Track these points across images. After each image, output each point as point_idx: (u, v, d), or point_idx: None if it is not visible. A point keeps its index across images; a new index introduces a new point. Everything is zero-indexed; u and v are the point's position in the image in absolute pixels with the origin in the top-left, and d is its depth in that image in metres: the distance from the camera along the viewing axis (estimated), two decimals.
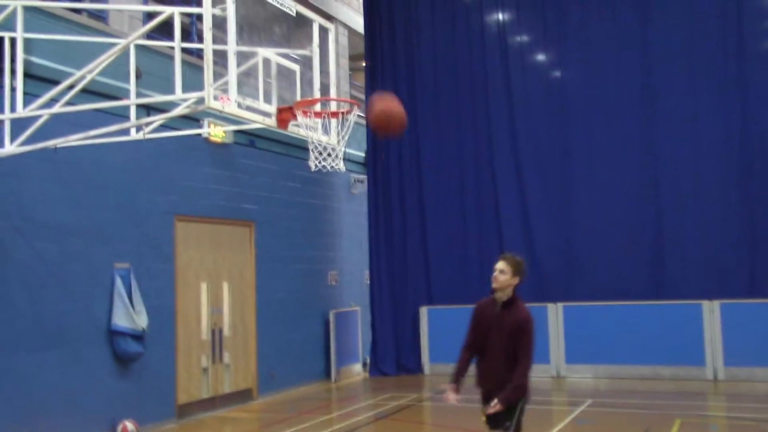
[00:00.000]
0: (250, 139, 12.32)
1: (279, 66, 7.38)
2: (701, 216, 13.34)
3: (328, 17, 14.56)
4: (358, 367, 15.12)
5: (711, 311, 12.93)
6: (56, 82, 7.76)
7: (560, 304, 13.96)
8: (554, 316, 13.94)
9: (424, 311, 14.91)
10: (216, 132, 11.10)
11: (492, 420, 5.32)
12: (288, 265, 13.18)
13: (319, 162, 8.51)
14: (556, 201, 14.42)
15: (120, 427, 9.11)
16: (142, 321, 9.45)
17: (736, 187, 13.21)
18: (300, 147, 13.09)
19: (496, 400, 5.25)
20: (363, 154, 15.94)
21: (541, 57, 14.98)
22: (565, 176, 14.35)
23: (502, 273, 5.31)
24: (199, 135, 10.97)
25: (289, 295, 13.08)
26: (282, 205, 13.11)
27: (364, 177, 15.76)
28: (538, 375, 13.80)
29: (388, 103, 6.48)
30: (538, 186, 14.57)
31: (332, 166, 7.59)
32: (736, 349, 12.71)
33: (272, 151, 12.90)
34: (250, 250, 12.27)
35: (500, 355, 5.28)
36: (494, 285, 5.33)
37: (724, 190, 13.26)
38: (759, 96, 13.08)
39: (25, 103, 7.46)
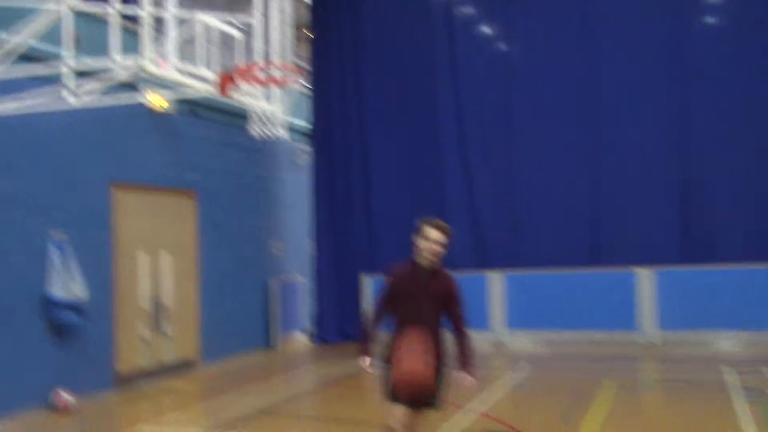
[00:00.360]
0: (191, 107, 12.13)
1: (222, 34, 7.28)
2: (638, 185, 13.69)
3: None
4: (301, 336, 15.19)
5: (646, 277, 13.34)
6: None
7: (502, 272, 14.22)
8: (496, 284, 14.20)
9: (366, 279, 15.01)
10: (156, 99, 10.89)
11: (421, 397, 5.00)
12: (231, 234, 13.09)
13: (262, 130, 8.48)
14: (498, 169, 14.59)
15: (56, 397, 8.99)
16: (79, 291, 9.30)
17: (671, 156, 13.58)
18: (243, 116, 12.90)
19: (472, 380, 5.26)
20: (307, 124, 15.85)
21: (486, 28, 15.03)
22: (508, 145, 14.51)
23: (442, 246, 5.17)
24: (140, 103, 10.75)
25: (232, 265, 13.02)
26: (225, 174, 12.98)
27: (308, 147, 15.70)
28: (479, 340, 14.10)
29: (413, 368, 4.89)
30: (481, 155, 14.72)
31: (274, 135, 7.55)
32: (669, 314, 13.17)
33: (215, 120, 12.74)
34: (191, 220, 12.14)
35: (431, 324, 5.13)
36: (433, 258, 5.15)
37: (659, 159, 13.62)
38: (695, 68, 13.43)
39: None
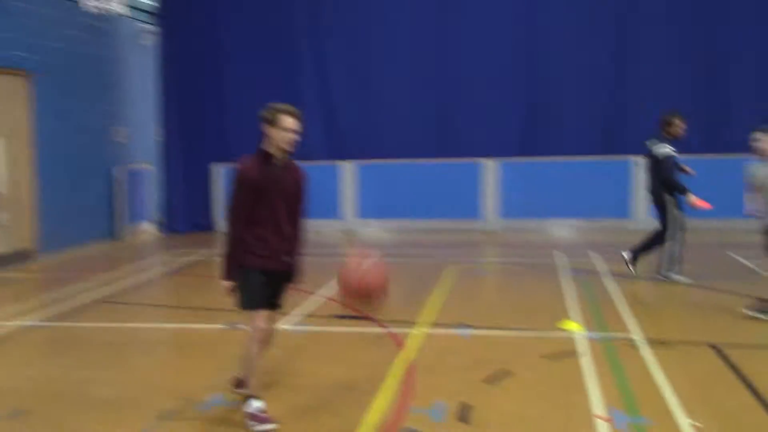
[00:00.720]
0: None
1: None
2: (483, 82, 14.08)
3: None
4: (149, 226, 14.79)
5: (490, 168, 13.89)
6: None
7: (354, 162, 14.34)
8: (348, 173, 14.33)
9: (217, 168, 14.71)
10: None
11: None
12: (71, 120, 12.31)
13: (96, 5, 7.85)
14: (352, 61, 14.50)
15: None
16: None
17: (517, 54, 13.99)
18: None
19: (299, 278, 5.16)
20: (152, 2, 14.90)
21: None
22: (363, 38, 14.43)
23: (298, 134, 4.81)
24: None
25: (72, 152, 12.32)
26: (62, 54, 12.06)
27: (154, 27, 14.82)
28: (331, 229, 14.31)
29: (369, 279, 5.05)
30: (336, 45, 14.53)
31: (110, 10, 7.00)
32: (508, 202, 13.86)
33: None
34: (25, 103, 11.28)
35: (288, 219, 4.83)
36: (289, 148, 4.74)
37: (506, 56, 14.00)
38: None
39: None
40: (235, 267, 4.75)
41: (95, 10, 7.13)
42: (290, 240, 4.91)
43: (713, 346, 6.13)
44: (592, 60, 13.79)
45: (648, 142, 8.86)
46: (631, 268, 9.02)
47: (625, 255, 9.11)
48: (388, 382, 5.41)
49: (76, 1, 11.83)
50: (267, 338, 4.90)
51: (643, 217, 13.42)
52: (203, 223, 14.75)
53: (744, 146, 7.86)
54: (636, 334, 6.53)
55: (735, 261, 10.22)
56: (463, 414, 4.79)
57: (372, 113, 14.55)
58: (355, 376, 5.61)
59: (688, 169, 8.90)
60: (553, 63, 13.92)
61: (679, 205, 8.68)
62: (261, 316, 4.77)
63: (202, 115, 14.77)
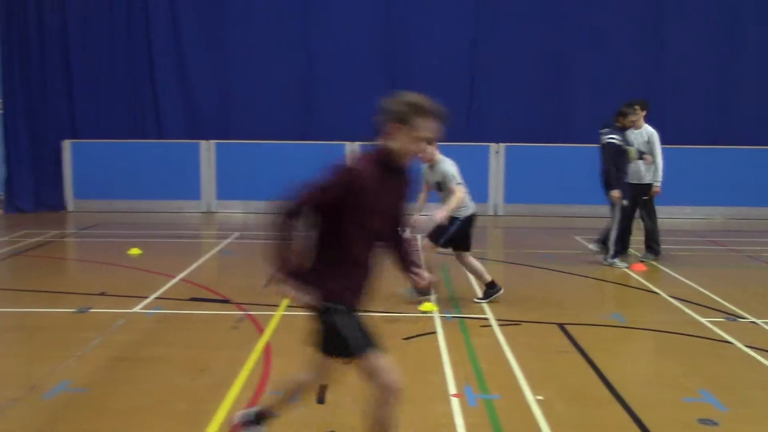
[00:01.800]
0: None
1: None
2: (348, 66, 14.15)
3: None
4: None
5: (351, 151, 13.96)
6: None
7: (213, 141, 14.01)
8: (206, 153, 13.99)
9: (67, 145, 13.94)
10: None
11: None
12: None
13: None
14: (211, 40, 14.15)
15: None
16: None
17: (378, 37, 14.14)
18: None
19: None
20: None
21: None
22: (221, 18, 14.14)
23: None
24: None
25: None
26: None
27: None
28: (189, 210, 13.94)
29: None
30: (192, 17, 14.12)
31: None
32: None
33: None
34: None
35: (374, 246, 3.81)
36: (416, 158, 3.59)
37: (367, 39, 14.13)
38: None
39: None
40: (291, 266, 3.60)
41: None
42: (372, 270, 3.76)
43: (558, 325, 6.47)
44: (446, 48, 14.15)
45: (600, 131, 9.03)
46: (603, 258, 9.22)
47: (592, 247, 9.49)
48: (245, 365, 5.34)
49: None
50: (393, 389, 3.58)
51: (501, 203, 13.97)
52: (51, 202, 13.96)
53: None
54: (489, 315, 6.79)
55: (581, 246, 10.82)
56: (320, 395, 4.81)
57: (232, 93, 14.27)
58: (212, 360, 5.51)
59: (646, 157, 9.10)
60: (413, 45, 14.16)
61: (629, 194, 8.98)
62: (380, 358, 3.63)
63: (49, 87, 13.94)
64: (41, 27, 13.79)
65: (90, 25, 13.99)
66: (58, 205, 13.99)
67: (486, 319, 6.68)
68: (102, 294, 7.45)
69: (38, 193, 13.94)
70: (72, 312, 6.77)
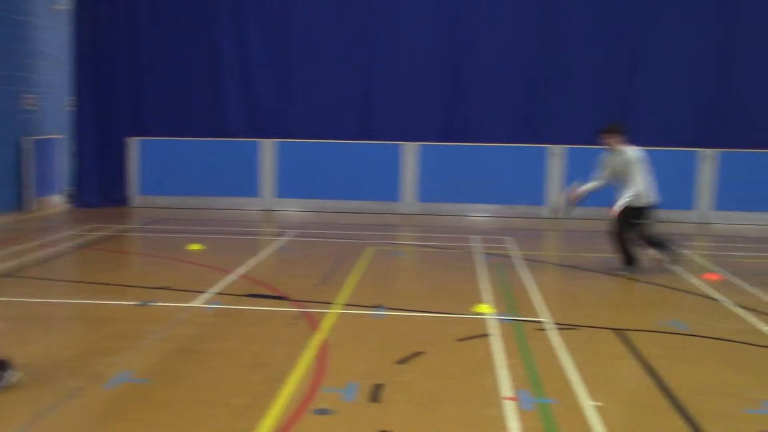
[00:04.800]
0: None
1: None
2: (407, 65, 14.16)
3: None
4: (59, 199, 14.28)
5: (410, 152, 13.98)
6: None
7: (274, 140, 14.19)
8: (268, 152, 14.18)
9: (133, 142, 14.32)
10: None
11: None
12: None
13: None
14: (275, 37, 14.33)
15: None
16: None
17: (440, 43, 14.11)
18: None
19: None
20: None
21: None
22: (285, 19, 14.28)
23: None
24: None
25: None
26: None
27: None
28: (249, 208, 14.16)
29: None
30: (258, 18, 14.32)
31: None
32: (428, 186, 14.01)
33: None
34: None
35: None
36: None
37: (428, 45, 14.12)
38: None
39: None
40: None
41: None
42: None
43: (616, 330, 6.37)
44: (515, 47, 14.02)
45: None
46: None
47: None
48: (301, 361, 5.41)
49: None
50: None
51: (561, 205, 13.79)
52: (116, 198, 14.34)
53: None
54: (545, 318, 6.73)
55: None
56: (375, 394, 4.85)
57: (293, 91, 14.42)
58: (269, 355, 5.59)
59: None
60: (476, 49, 14.08)
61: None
62: None
63: (117, 86, 14.32)
64: (111, 26, 14.16)
65: (157, 24, 14.31)
66: (124, 200, 14.36)
67: (541, 322, 6.61)
68: (164, 288, 7.63)
69: (105, 189, 14.33)
70: (135, 305, 6.95)
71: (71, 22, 14.10)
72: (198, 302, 7.08)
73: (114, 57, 14.26)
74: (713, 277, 8.67)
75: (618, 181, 8.76)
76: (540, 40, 14.00)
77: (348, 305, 7.09)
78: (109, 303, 7.05)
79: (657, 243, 9.05)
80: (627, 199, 8.54)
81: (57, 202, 14.16)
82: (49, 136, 13.87)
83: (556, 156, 13.73)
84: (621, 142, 8.78)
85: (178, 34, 14.33)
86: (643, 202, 8.68)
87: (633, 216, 8.68)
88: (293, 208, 14.24)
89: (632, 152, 8.66)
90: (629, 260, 8.89)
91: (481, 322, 6.56)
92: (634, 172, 8.57)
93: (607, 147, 8.86)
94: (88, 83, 14.11)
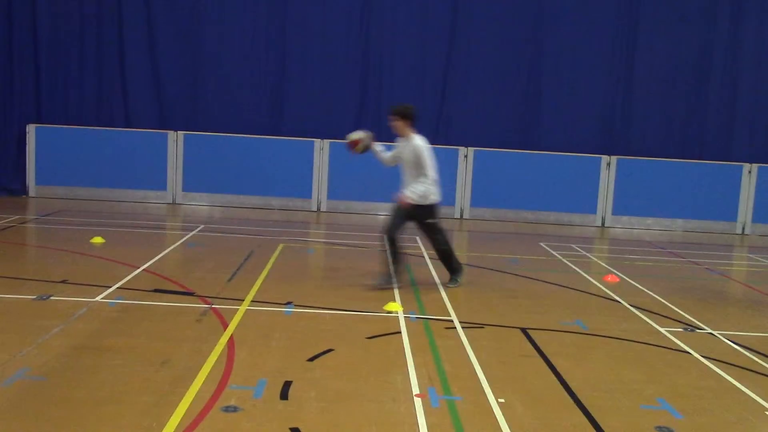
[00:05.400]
0: None
1: None
2: (320, 62, 14.13)
3: None
4: None
5: (321, 148, 13.94)
6: None
7: (181, 132, 13.88)
8: (173, 144, 13.85)
9: (31, 129, 13.71)
10: None
11: None
12: None
13: None
14: (184, 29, 14.04)
15: None
16: None
17: (354, 37, 14.13)
18: None
19: None
20: None
21: None
22: (195, 10, 14.02)
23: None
24: None
25: None
26: None
27: None
28: (155, 201, 13.79)
29: None
30: (167, 10, 13.99)
31: None
32: (338, 184, 14.01)
33: None
34: None
35: None
36: None
37: (340, 39, 14.14)
38: None
39: None
40: None
41: None
42: None
43: (521, 329, 6.54)
44: (425, 56, 14.22)
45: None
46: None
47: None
48: (209, 358, 5.31)
49: None
50: None
51: (468, 206, 14.06)
52: (15, 188, 13.71)
53: None
54: (453, 317, 6.84)
55: (546, 252, 10.93)
56: (284, 391, 4.81)
57: (203, 82, 14.16)
58: (175, 351, 5.46)
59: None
60: (389, 54, 14.20)
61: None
62: None
63: (14, 74, 13.71)
64: (9, 8, 13.53)
65: (59, 7, 13.77)
66: (21, 190, 13.74)
67: (450, 321, 6.72)
68: (63, 282, 7.35)
69: (1, 177, 13.68)
70: (32, 299, 6.66)
71: None
72: (100, 297, 6.85)
73: (12, 39, 13.63)
74: (612, 279, 9.02)
75: (406, 174, 7.75)
76: (449, 45, 14.25)
77: (257, 302, 7.01)
78: (4, 296, 6.73)
79: (446, 255, 8.04)
80: (417, 194, 7.58)
81: None
82: None
83: (466, 158, 13.98)
84: (409, 129, 7.75)
85: (81, 16, 13.83)
86: (432, 200, 7.72)
87: (414, 216, 7.73)
88: (201, 203, 13.96)
89: (421, 141, 7.64)
90: (393, 270, 7.74)
91: (392, 320, 6.61)
92: (424, 164, 7.55)
93: (396, 133, 7.87)
94: None
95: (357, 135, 8.02)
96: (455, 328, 6.50)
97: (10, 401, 4.44)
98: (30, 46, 13.73)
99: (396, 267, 7.79)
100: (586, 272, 9.38)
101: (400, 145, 7.85)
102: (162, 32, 13.98)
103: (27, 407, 4.37)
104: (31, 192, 13.81)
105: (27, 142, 13.70)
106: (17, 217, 11.52)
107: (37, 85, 13.83)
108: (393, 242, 7.74)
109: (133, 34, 13.93)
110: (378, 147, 8.03)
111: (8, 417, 4.23)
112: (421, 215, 7.76)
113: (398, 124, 7.77)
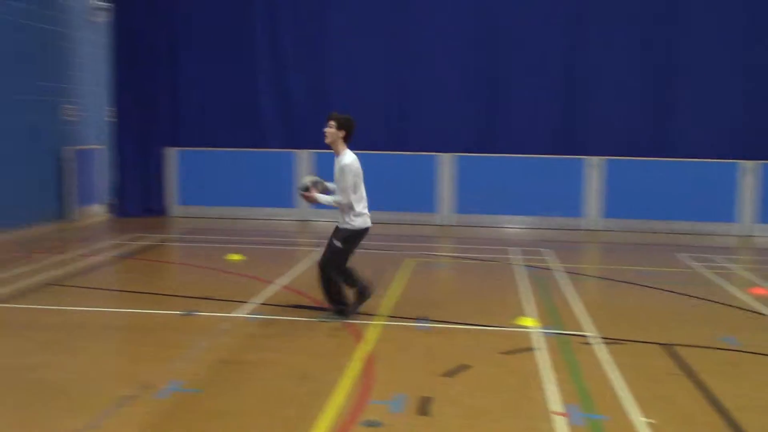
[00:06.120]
0: None
1: None
2: (443, 77, 14.13)
3: None
4: (100, 208, 14.46)
5: (445, 162, 13.94)
6: None
7: (308, 151, 14.23)
8: (302, 162, 14.22)
9: (170, 152, 14.46)
10: None
11: None
12: (15, 95, 11.92)
13: None
14: (311, 52, 14.40)
15: None
16: None
17: (473, 55, 14.07)
18: None
19: None
20: None
21: None
22: (322, 26, 14.35)
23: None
24: None
25: (16, 129, 11.92)
26: (7, 26, 11.66)
27: (106, 4, 14.47)
28: (285, 218, 14.20)
29: None
30: (293, 33, 14.42)
31: None
32: (464, 198, 13.95)
33: None
34: None
35: None
36: None
37: (462, 57, 14.08)
38: None
39: None
40: None
41: None
42: None
43: (665, 346, 6.26)
44: (547, 60, 13.95)
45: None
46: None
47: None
48: (346, 373, 5.39)
49: None
50: None
51: (594, 216, 13.66)
52: (155, 208, 14.48)
53: None
54: (590, 332, 6.64)
55: (684, 263, 10.45)
56: (423, 406, 4.81)
57: (329, 103, 14.45)
58: (313, 366, 5.58)
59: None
60: (510, 60, 14.02)
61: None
62: None
63: (155, 97, 14.48)
64: (149, 37, 14.34)
65: (194, 36, 14.46)
66: (163, 210, 14.49)
67: (587, 336, 6.53)
68: (206, 298, 7.67)
69: (145, 199, 14.48)
70: (179, 314, 6.99)
71: (109, 34, 14.31)
72: (241, 312, 7.11)
73: (152, 68, 14.42)
74: (760, 291, 8.50)
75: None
76: (576, 49, 13.91)
77: (391, 317, 7.07)
78: (153, 312, 7.10)
79: (349, 281, 7.05)
80: (353, 223, 6.93)
81: (98, 211, 14.33)
82: (89, 147, 14.07)
83: (594, 167, 13.60)
84: (343, 144, 6.99)
85: (214, 43, 14.45)
86: (360, 225, 6.99)
87: (350, 244, 6.99)
88: (328, 219, 14.23)
89: (350, 160, 6.90)
90: (343, 303, 6.97)
91: (526, 336, 6.50)
92: (344, 186, 6.84)
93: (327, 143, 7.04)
94: (127, 94, 14.29)
95: (309, 179, 7.21)
96: (593, 343, 6.31)
97: (165, 413, 4.66)
98: (169, 75, 14.49)
99: (355, 287, 7.03)
100: (730, 284, 8.89)
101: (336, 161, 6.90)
102: (290, 56, 14.39)
103: (181, 419, 4.58)
104: (172, 212, 14.54)
105: (166, 164, 14.45)
106: (160, 235, 12.15)
107: (177, 110, 14.56)
108: (349, 280, 7.02)
109: (262, 60, 14.42)
110: (323, 199, 7.09)
111: (164, 428, 4.44)
112: (336, 234, 6.99)
113: (333, 133, 6.92)
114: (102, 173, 14.53)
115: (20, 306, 7.32)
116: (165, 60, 14.46)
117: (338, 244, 6.94)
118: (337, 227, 7.07)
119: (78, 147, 13.52)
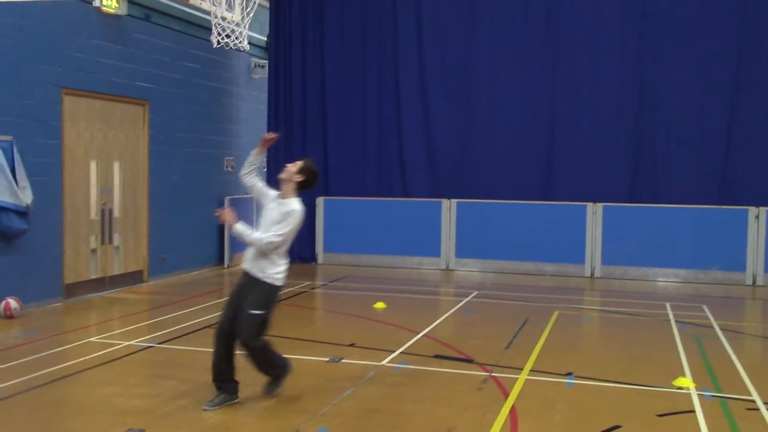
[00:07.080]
0: (145, 12, 11.66)
1: None
2: (591, 126, 13.84)
3: None
4: None
5: (593, 212, 13.58)
6: None
7: (454, 200, 14.31)
8: (447, 212, 14.31)
9: (320, 202, 14.97)
10: (108, 1, 10.48)
11: None
12: (183, 147, 12.84)
13: (221, 39, 8.19)
14: (456, 102, 14.55)
15: (2, 305, 8.86)
16: (26, 197, 9.06)
17: (624, 99, 13.70)
18: (198, 25, 12.57)
19: None
20: (265, 38, 15.47)
21: None
22: (468, 84, 14.48)
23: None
24: (89, 3, 10.32)
25: (183, 179, 12.81)
26: (178, 85, 12.61)
27: (265, 62, 15.35)
28: (429, 267, 14.27)
29: None
30: (440, 84, 14.65)
31: (235, 45, 7.30)
32: (613, 249, 13.50)
33: (169, 27, 12.29)
34: (143, 130, 11.83)
35: None
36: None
37: (612, 102, 13.74)
38: (651, 24, 13.54)
39: None
40: None
41: (222, 45, 7.50)
42: None
43: None
44: (706, 107, 13.35)
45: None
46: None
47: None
48: (492, 428, 5.30)
49: (198, 36, 12.45)
50: None
51: (761, 272, 12.80)
52: (306, 255, 14.97)
53: None
54: (754, 395, 6.19)
55: None
56: None
57: (474, 152, 14.51)
58: (459, 419, 5.53)
59: None
60: (664, 108, 13.55)
61: None
62: None
63: (307, 148, 15.09)
64: (302, 94, 15.06)
65: (343, 92, 15.03)
66: (311, 257, 14.97)
67: (752, 401, 6.09)
68: (352, 345, 7.81)
69: (296, 246, 15.01)
70: (325, 361, 7.15)
71: (268, 90, 15.14)
72: (385, 361, 7.18)
73: (304, 122, 15.11)
74: None
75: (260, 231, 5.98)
76: (735, 94, 13.25)
77: (536, 371, 6.90)
78: (302, 358, 7.30)
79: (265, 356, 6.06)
80: (276, 276, 5.94)
81: None
82: (244, 196, 14.80)
83: (758, 219, 12.81)
84: (296, 191, 6.04)
85: (361, 96, 14.95)
86: (282, 281, 6.03)
87: (273, 306, 6.00)
88: (472, 269, 14.19)
89: (300, 210, 5.95)
90: (281, 364, 6.13)
91: (683, 397, 6.14)
92: (286, 230, 5.86)
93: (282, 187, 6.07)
94: (280, 145, 15.00)
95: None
96: (759, 409, 5.87)
97: None
98: (320, 131, 15.11)
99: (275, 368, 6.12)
100: None
101: (272, 197, 6.08)
102: (436, 106, 14.64)
103: None
104: (320, 259, 14.98)
105: (316, 213, 14.96)
106: (308, 282, 12.54)
107: (326, 162, 15.11)
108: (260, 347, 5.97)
109: (408, 112, 14.74)
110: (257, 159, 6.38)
111: None
112: (251, 295, 5.86)
113: (293, 173, 6.01)
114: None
115: (182, 348, 7.73)
116: (316, 116, 15.12)
117: (257, 312, 5.80)
118: (248, 281, 5.96)
119: (235, 196, 14.28)
